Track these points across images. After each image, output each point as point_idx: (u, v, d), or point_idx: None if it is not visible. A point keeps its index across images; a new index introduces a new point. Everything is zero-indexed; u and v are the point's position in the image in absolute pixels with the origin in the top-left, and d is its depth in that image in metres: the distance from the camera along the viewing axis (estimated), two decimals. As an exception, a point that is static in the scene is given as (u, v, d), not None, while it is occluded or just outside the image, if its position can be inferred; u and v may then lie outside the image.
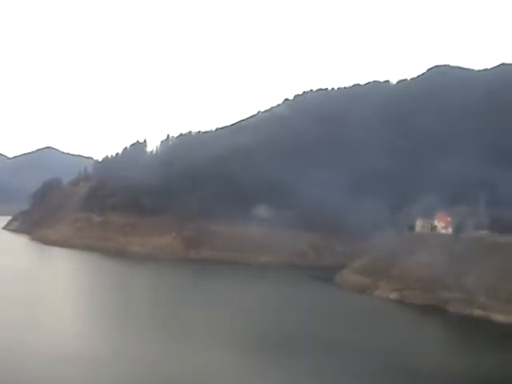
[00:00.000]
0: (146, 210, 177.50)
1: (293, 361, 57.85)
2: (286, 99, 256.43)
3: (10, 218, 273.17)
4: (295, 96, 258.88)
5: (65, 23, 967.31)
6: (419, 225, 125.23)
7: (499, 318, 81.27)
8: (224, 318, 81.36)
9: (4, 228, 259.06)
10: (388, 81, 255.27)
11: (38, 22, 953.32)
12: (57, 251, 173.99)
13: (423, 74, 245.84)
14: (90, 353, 56.94)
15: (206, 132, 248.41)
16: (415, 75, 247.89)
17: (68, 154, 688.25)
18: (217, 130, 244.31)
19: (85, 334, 67.78)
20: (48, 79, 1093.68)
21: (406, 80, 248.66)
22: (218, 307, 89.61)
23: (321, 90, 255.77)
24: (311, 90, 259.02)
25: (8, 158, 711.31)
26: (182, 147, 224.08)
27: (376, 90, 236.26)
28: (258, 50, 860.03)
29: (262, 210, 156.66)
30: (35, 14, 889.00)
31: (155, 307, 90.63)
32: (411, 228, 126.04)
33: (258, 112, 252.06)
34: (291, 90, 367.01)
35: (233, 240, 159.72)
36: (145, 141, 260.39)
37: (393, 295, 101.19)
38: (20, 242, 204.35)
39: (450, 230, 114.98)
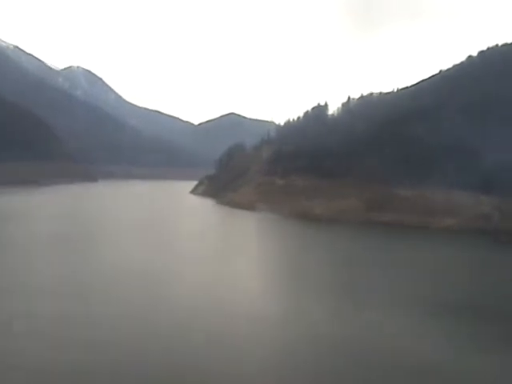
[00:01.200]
0: (327, 173, 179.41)
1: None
2: (470, 56, 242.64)
3: (196, 182, 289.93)
4: (479, 52, 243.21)
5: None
6: None
7: None
8: (410, 280, 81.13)
9: (191, 192, 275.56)
10: None
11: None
12: (240, 213, 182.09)
13: None
14: (273, 312, 58.95)
15: (387, 93, 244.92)
16: None
17: (251, 119, 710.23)
18: (398, 90, 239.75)
19: (267, 292, 70.79)
20: (227, 49, 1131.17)
21: None
22: (404, 270, 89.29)
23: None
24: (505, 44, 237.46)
25: (194, 124, 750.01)
26: (363, 109, 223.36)
27: None
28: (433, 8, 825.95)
29: (442, 173, 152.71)
30: None
31: (336, 268, 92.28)
32: None
33: (440, 71, 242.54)
34: (475, 45, 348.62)
35: (415, 203, 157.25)
36: (326, 104, 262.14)
37: None
38: (206, 205, 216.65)
39: None
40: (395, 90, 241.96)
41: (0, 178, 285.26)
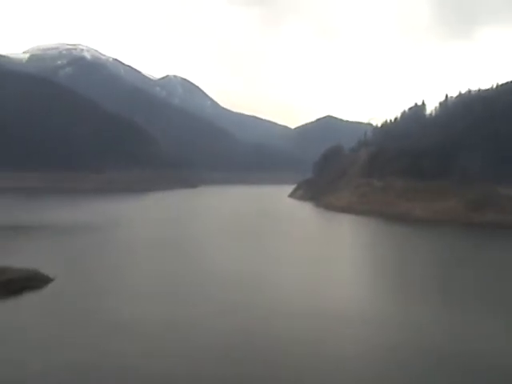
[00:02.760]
0: (426, 174, 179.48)
1: None
2: None
3: (294, 186, 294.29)
4: None
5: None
6: None
7: None
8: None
9: (289, 196, 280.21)
10: None
11: None
12: (340, 216, 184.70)
13: None
14: (360, 313, 60.72)
15: (486, 90, 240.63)
16: None
17: (347, 121, 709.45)
18: (498, 86, 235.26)
19: (358, 293, 72.63)
20: (322, 51, 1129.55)
21: None
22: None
23: None
24: None
25: (291, 128, 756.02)
26: (462, 107, 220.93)
27: None
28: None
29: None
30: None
31: (435, 269, 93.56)
32: None
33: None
34: None
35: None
36: (423, 103, 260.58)
37: None
38: (304, 208, 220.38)
39: None
40: (494, 87, 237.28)
41: (103, 185, 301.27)
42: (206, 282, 74.99)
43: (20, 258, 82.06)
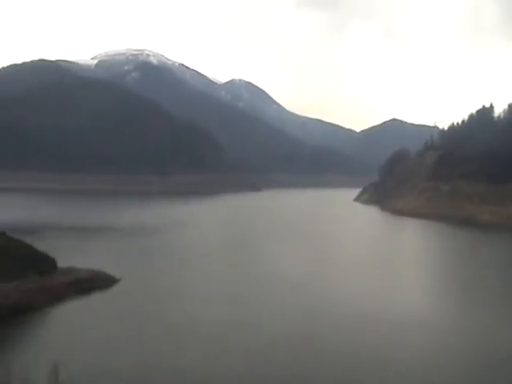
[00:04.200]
0: (495, 178, 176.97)
1: None
2: None
3: (359, 190, 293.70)
4: None
5: None
6: None
7: None
8: None
9: (355, 200, 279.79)
10: None
11: None
12: (406, 221, 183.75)
13: None
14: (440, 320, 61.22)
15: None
16: None
17: (413, 124, 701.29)
18: None
19: (428, 300, 72.76)
20: (387, 54, 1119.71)
21: None
22: None
23: None
24: None
25: (356, 132, 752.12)
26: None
27: None
28: None
29: None
30: None
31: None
32: None
33: None
34: None
35: None
36: (491, 106, 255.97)
37: None
38: (370, 212, 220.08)
39: None
40: None
41: (169, 188, 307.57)
42: (273, 284, 76.60)
43: (87, 258, 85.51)
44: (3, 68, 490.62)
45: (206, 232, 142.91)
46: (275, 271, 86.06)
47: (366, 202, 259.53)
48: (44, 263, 74.45)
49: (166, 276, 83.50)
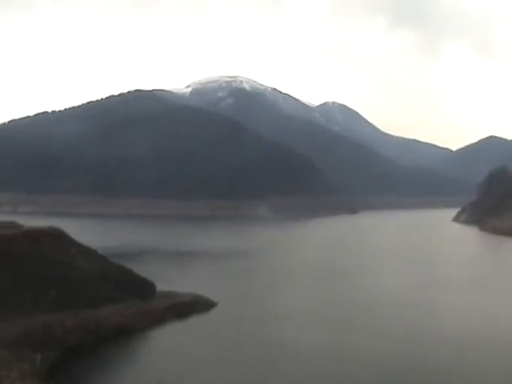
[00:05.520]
0: None
1: None
2: None
3: (457, 209, 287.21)
4: None
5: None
6: None
7: None
8: None
9: (453, 220, 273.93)
10: None
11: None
12: (506, 242, 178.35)
13: None
14: None
15: None
16: None
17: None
18: None
19: None
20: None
21: None
22: None
23: None
24: None
25: (451, 150, 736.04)
26: None
27: None
28: None
29: None
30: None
31: None
32: None
33: None
34: None
35: None
36: None
37: None
38: (469, 232, 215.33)
39: None
40: None
41: (266, 212, 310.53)
42: (379, 307, 76.69)
43: (185, 282, 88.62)
44: (102, 99, 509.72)
45: (302, 255, 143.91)
46: (382, 293, 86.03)
47: (465, 222, 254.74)
48: (144, 287, 77.86)
49: (262, 299, 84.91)
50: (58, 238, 79.07)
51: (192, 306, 76.32)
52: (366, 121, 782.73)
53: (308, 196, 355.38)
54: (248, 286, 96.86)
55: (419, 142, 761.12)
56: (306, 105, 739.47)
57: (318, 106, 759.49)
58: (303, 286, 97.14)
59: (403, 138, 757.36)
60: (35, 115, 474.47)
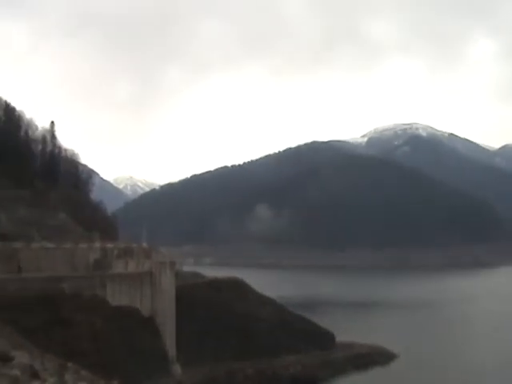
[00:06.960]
0: None
1: None
2: None
3: None
4: None
5: None
6: None
7: None
8: None
9: None
10: None
11: None
12: None
13: None
14: None
15: None
16: None
17: None
18: None
19: None
20: None
21: None
22: None
23: None
24: None
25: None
26: None
27: None
28: None
29: None
30: None
31: None
32: None
33: None
34: None
35: None
36: None
37: None
38: None
39: None
40: None
41: (449, 261, 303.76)
42: None
43: (365, 333, 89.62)
44: (279, 152, 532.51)
45: (487, 306, 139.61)
46: None
47: None
48: (324, 338, 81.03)
49: (445, 352, 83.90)
50: (239, 287, 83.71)
51: (372, 358, 77.17)
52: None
53: (491, 244, 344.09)
54: (429, 338, 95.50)
55: None
56: (485, 148, 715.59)
57: (498, 149, 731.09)
58: (487, 339, 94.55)
59: None
60: (215, 169, 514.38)
